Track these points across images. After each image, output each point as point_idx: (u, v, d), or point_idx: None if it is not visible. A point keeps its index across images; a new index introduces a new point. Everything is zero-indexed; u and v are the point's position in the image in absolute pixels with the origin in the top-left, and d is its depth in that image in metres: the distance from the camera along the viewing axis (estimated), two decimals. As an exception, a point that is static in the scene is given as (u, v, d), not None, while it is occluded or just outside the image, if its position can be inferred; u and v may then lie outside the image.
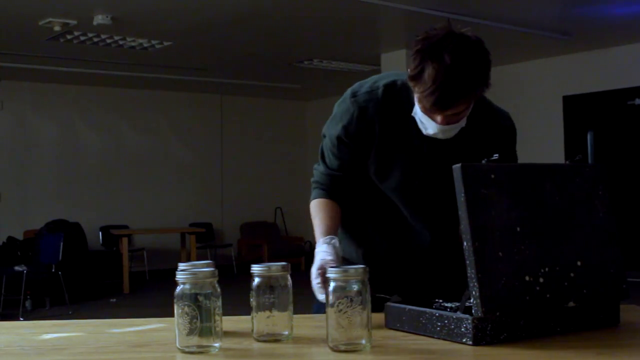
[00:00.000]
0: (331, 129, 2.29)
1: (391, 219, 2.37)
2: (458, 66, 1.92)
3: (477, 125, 2.21)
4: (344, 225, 2.40)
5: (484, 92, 2.04)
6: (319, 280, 1.97)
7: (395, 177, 2.27)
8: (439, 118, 2.04)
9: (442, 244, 2.34)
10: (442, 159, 2.22)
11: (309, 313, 2.16)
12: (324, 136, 2.34)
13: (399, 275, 2.42)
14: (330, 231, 2.18)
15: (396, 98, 2.22)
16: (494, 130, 2.28)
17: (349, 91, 2.28)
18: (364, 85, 2.27)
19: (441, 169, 2.20)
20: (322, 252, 2.07)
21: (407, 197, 2.31)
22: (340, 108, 2.28)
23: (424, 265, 2.39)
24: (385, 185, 2.31)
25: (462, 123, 2.11)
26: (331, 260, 2.02)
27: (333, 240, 2.11)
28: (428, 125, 2.09)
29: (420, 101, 2.03)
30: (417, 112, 2.10)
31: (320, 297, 1.95)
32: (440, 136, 2.11)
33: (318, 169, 2.36)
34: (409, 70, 2.00)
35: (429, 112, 2.04)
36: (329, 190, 2.32)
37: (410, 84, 2.01)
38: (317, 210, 2.29)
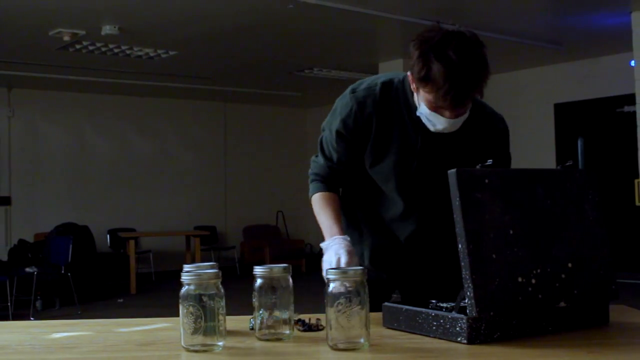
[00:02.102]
0: (331, 122, 2.32)
1: (380, 213, 2.38)
2: (465, 62, 1.93)
3: (472, 125, 2.21)
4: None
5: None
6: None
7: (389, 165, 2.27)
8: (447, 113, 2.06)
9: (427, 235, 2.34)
10: (435, 154, 2.24)
11: (309, 313, 2.15)
12: (324, 129, 2.36)
13: (389, 269, 2.42)
14: (340, 229, 2.21)
15: (393, 95, 2.24)
16: (488, 131, 2.29)
17: (349, 88, 2.31)
18: (363, 83, 2.30)
19: (434, 164, 2.23)
20: (338, 245, 2.10)
21: (400, 185, 2.30)
22: (340, 103, 2.31)
23: (411, 258, 2.39)
24: (380, 174, 2.30)
25: (467, 114, 2.12)
26: (347, 253, 2.05)
27: (346, 240, 2.14)
28: (436, 122, 2.09)
29: (431, 100, 2.03)
30: (424, 111, 2.10)
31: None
32: (448, 130, 2.12)
33: (317, 162, 2.37)
34: (414, 73, 2.01)
35: (440, 109, 2.05)
36: (329, 183, 2.34)
37: (419, 85, 2.02)
38: (323, 204, 2.30)
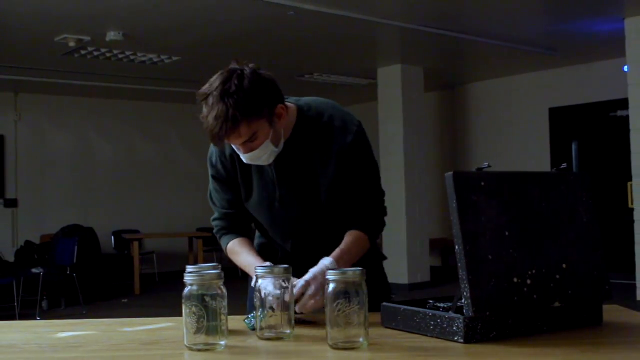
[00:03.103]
0: (209, 171, 2.38)
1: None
2: (220, 102, 1.97)
3: (313, 143, 2.21)
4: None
5: (261, 115, 2.04)
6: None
7: (255, 200, 2.31)
8: (239, 149, 2.11)
9: (303, 254, 2.32)
10: (290, 179, 2.24)
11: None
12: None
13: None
14: (260, 260, 2.21)
15: None
16: (334, 147, 2.21)
17: None
18: None
19: (293, 188, 2.25)
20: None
21: (269, 217, 2.33)
22: (209, 151, 2.36)
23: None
24: (252, 209, 2.34)
25: (271, 147, 2.12)
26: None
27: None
28: (241, 155, 2.14)
29: None
30: (234, 145, 2.14)
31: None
32: (255, 162, 2.16)
33: (214, 217, 2.42)
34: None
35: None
36: (233, 230, 2.36)
37: None
38: (235, 253, 2.34)
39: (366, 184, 2.26)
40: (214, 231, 2.43)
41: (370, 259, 2.30)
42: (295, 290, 1.97)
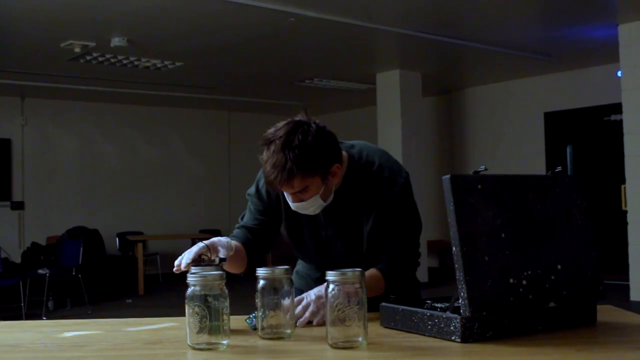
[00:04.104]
0: (250, 188, 2.41)
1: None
2: (280, 152, 2.00)
3: (361, 191, 2.23)
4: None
5: (316, 172, 2.06)
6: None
7: (305, 242, 2.35)
8: (289, 196, 2.14)
9: None
10: (336, 223, 2.27)
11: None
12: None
13: None
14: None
15: None
16: (377, 196, 2.22)
17: None
18: None
19: (339, 230, 2.27)
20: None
21: (317, 257, 2.37)
22: (259, 174, 2.35)
23: None
24: (300, 251, 2.40)
25: (319, 201, 2.14)
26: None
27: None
28: (289, 202, 2.17)
29: None
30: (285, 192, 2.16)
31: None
32: (302, 211, 2.18)
33: (236, 226, 2.43)
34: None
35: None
36: (241, 239, 2.35)
37: None
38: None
39: (400, 236, 2.25)
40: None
41: (412, 290, 2.38)
42: (298, 309, 1.99)
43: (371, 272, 2.20)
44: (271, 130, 2.06)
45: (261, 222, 2.36)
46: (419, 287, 2.49)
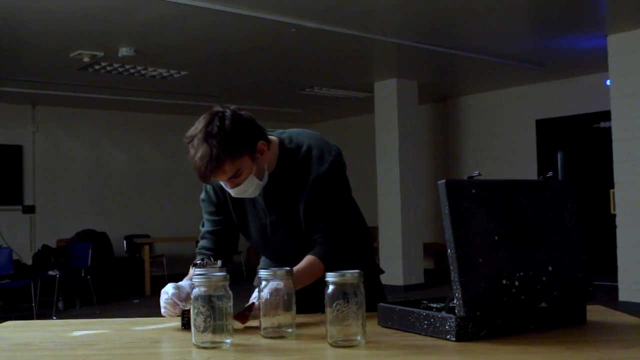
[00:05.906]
0: (201, 195, 2.40)
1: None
2: (203, 142, 2.02)
3: (294, 173, 2.22)
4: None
5: (243, 152, 2.06)
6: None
7: (251, 228, 2.34)
8: (226, 185, 2.14)
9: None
10: (278, 208, 2.27)
11: (309, 312, 2.15)
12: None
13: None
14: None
15: None
16: (308, 176, 2.21)
17: None
18: None
19: (281, 216, 2.27)
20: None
21: (263, 242, 2.36)
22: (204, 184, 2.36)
23: None
24: (250, 237, 2.39)
25: (255, 181, 2.14)
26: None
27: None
28: (229, 190, 2.17)
29: None
30: (221, 182, 2.16)
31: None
32: (242, 196, 2.18)
33: (200, 236, 2.41)
34: None
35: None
36: (203, 252, 2.36)
37: None
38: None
39: (331, 212, 2.23)
40: (196, 250, 2.42)
41: (368, 273, 2.30)
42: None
43: (309, 259, 2.18)
44: (191, 128, 2.08)
45: (219, 221, 2.36)
46: (378, 273, 2.47)
